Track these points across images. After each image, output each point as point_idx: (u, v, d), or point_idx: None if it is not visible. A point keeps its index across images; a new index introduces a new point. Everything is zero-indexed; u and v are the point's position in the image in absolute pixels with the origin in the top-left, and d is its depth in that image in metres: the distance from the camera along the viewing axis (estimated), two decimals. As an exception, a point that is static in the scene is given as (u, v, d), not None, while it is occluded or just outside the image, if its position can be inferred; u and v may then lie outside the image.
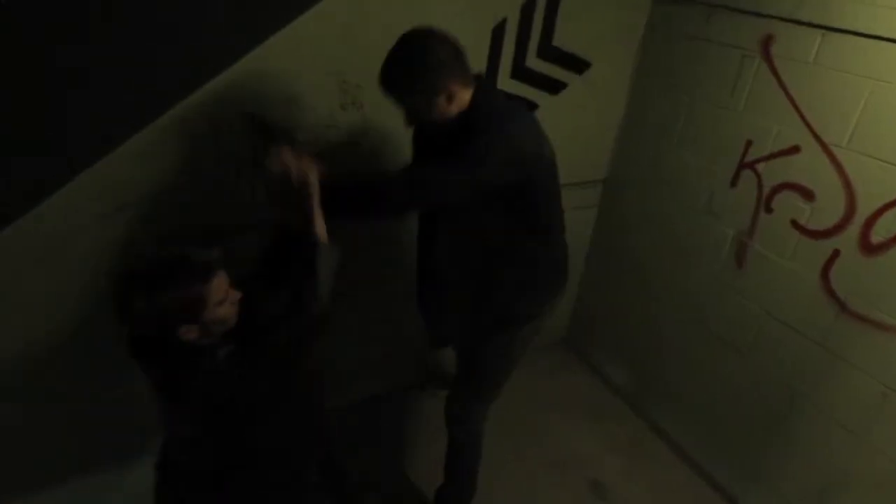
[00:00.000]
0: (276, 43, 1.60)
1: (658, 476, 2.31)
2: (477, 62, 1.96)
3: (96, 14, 1.34)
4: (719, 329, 2.15)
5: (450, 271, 1.61)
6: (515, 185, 1.40)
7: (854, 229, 1.69)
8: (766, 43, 1.84)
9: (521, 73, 2.06)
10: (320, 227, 1.29)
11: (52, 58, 1.34)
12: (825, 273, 1.78)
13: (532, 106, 2.14)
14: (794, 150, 1.81)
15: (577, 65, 2.17)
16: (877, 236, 1.65)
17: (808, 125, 1.77)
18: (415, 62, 1.33)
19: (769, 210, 1.91)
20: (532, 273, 1.60)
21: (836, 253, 1.75)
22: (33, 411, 1.70)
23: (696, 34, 2.05)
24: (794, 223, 1.84)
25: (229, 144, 1.65)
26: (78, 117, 1.42)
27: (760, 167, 1.92)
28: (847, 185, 1.70)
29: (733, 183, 2.01)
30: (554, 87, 2.16)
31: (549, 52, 2.08)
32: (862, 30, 1.60)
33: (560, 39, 2.09)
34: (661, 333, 2.41)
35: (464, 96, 1.38)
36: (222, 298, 1.16)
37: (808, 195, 1.80)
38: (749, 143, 1.94)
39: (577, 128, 2.30)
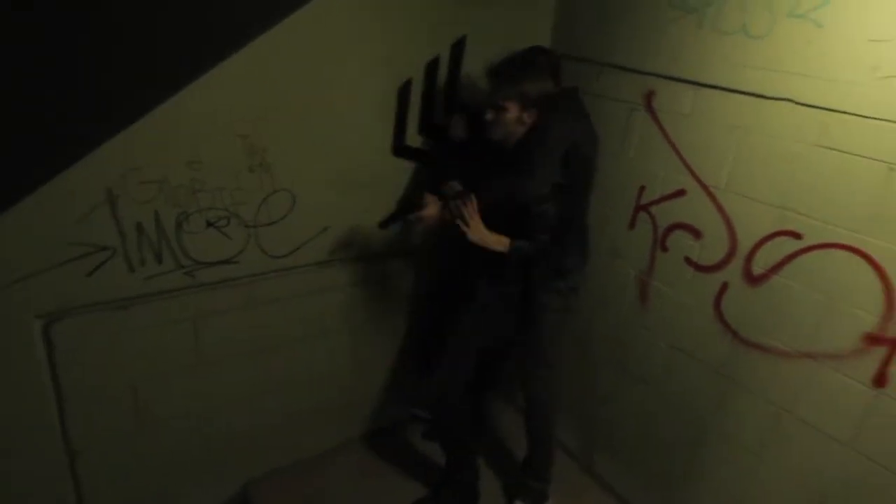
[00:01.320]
0: (177, 103, 1.59)
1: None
2: (385, 120, 2.04)
3: None
4: (632, 365, 2.25)
5: None
6: None
7: (738, 263, 1.85)
8: (649, 97, 2.02)
9: (429, 129, 2.14)
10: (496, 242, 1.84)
11: None
12: (717, 305, 1.92)
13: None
14: (681, 192, 1.97)
15: (484, 119, 2.28)
16: (757, 268, 1.80)
17: (690, 170, 1.93)
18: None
19: (664, 249, 2.05)
20: None
21: (724, 285, 1.89)
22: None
23: (589, 89, 2.21)
24: (687, 260, 1.99)
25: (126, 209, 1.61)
26: None
27: (654, 209, 2.07)
28: (728, 223, 1.86)
29: (631, 225, 2.15)
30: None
31: (456, 107, 2.18)
32: (727, 85, 1.79)
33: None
34: (583, 374, 2.48)
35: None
36: None
37: (696, 234, 1.95)
38: (642, 188, 2.09)
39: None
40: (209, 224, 1.79)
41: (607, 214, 2.22)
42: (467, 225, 1.80)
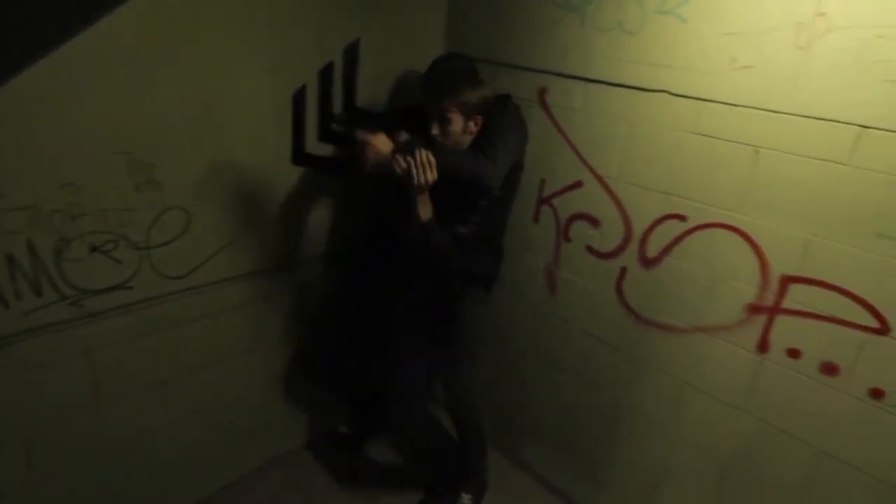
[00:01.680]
0: (35, 111, 1.46)
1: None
2: (281, 129, 1.99)
3: None
4: (551, 354, 2.32)
5: None
6: None
7: (633, 247, 1.94)
8: (542, 93, 2.08)
9: (328, 135, 2.11)
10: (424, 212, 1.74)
11: None
12: (619, 289, 2.01)
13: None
14: (578, 184, 2.05)
15: (385, 123, 2.27)
16: (651, 251, 1.90)
17: (585, 162, 2.01)
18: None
19: (567, 239, 2.13)
20: None
21: (623, 270, 1.98)
22: None
23: (486, 88, 2.26)
24: (588, 248, 2.07)
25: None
26: None
27: (555, 202, 2.14)
28: (622, 210, 1.95)
29: (536, 218, 2.21)
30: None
31: (354, 113, 2.16)
32: (610, 79, 1.88)
33: (365, 100, 2.18)
34: (505, 367, 2.53)
35: None
36: None
37: (594, 222, 2.03)
38: (543, 182, 2.16)
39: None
40: (94, 249, 1.67)
41: (515, 209, 2.27)
42: (424, 173, 1.66)
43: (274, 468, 2.44)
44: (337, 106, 2.10)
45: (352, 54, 2.07)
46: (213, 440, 2.21)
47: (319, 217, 2.24)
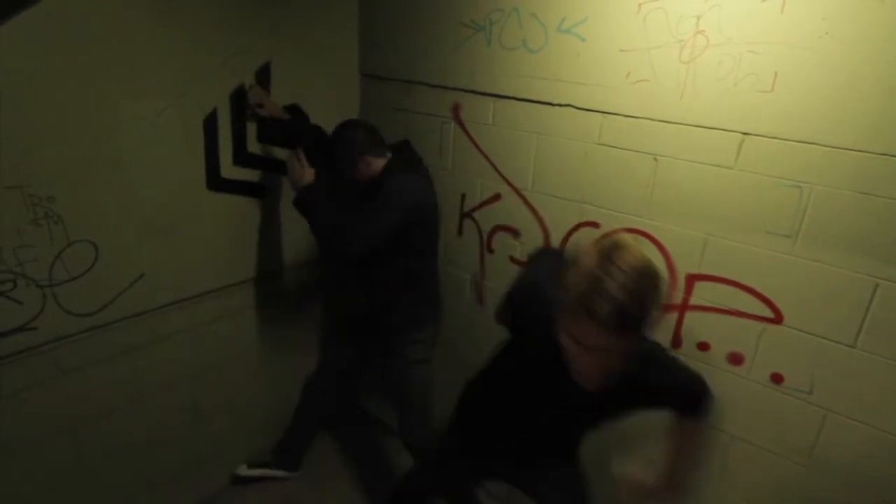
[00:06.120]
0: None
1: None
2: (194, 155, 1.94)
3: None
4: (480, 363, 2.34)
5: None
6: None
7: (553, 256, 2.01)
8: (456, 110, 2.13)
9: (244, 158, 2.07)
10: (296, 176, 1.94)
11: None
12: (542, 296, 2.07)
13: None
14: (497, 197, 2.11)
15: (303, 143, 2.26)
16: (569, 259, 1.97)
17: (501, 175, 2.07)
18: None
19: (491, 251, 2.18)
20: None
21: (545, 278, 2.05)
22: None
23: (402, 106, 2.29)
24: (511, 258, 2.13)
25: None
26: None
27: (477, 215, 2.19)
28: (539, 220, 2.02)
29: (459, 232, 2.25)
30: (281, 167, 2.21)
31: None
32: (518, 95, 1.95)
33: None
34: (441, 380, 2.53)
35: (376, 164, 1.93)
36: None
37: (515, 233, 2.09)
38: (464, 196, 2.20)
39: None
40: (-12, 291, 1.57)
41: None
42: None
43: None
44: (251, 129, 2.07)
45: (263, 77, 2.05)
46: (130, 488, 2.09)
47: (243, 242, 2.19)
